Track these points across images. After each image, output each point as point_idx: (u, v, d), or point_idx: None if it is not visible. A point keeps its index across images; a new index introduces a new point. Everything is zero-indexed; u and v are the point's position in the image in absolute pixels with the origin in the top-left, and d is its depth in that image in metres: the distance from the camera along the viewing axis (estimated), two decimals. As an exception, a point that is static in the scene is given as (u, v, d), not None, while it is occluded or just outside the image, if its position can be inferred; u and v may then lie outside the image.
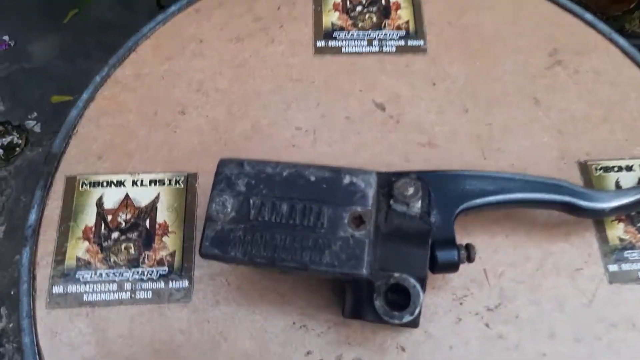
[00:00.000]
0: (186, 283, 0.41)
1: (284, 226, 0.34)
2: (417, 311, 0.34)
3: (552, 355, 0.40)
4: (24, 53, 1.13)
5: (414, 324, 0.36)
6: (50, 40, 1.12)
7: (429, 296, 0.41)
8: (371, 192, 0.35)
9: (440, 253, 0.37)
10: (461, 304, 0.41)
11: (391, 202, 0.37)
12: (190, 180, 0.45)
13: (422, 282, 0.35)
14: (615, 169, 0.47)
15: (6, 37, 1.13)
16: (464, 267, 0.42)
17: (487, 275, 0.42)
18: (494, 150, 0.47)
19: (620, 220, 0.45)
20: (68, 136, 0.47)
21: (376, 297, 0.34)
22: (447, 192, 0.39)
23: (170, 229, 0.43)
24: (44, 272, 0.41)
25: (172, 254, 0.42)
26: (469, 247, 0.38)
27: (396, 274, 0.34)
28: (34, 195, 0.44)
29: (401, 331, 0.40)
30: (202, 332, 0.40)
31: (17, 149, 0.99)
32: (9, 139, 1.00)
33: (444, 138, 0.48)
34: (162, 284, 0.41)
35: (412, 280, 0.34)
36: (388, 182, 0.37)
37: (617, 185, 0.46)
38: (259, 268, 0.38)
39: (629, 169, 0.47)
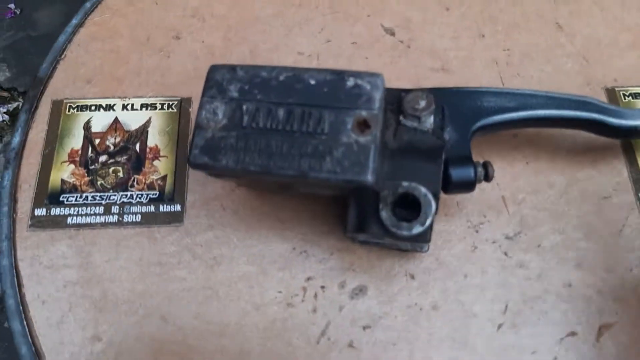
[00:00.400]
0: (178, 207, 0.38)
1: (280, 132, 0.31)
2: (428, 222, 0.30)
3: (578, 286, 0.36)
4: (29, 21, 1.11)
5: (424, 238, 0.32)
6: (56, 8, 1.10)
7: (440, 223, 0.38)
8: (378, 95, 0.31)
9: (455, 170, 0.33)
10: (477, 231, 0.38)
11: (401, 118, 0.33)
12: (183, 104, 0.42)
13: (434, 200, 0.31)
14: (646, 95, 0.43)
15: (12, 5, 1.13)
16: (479, 193, 0.39)
17: (506, 203, 0.39)
18: (513, 76, 0.43)
19: (652, 147, 0.41)
20: (55, 61, 0.44)
21: (382, 208, 0.31)
22: (463, 108, 0.36)
23: (162, 153, 0.40)
24: (26, 195, 0.38)
25: (164, 178, 0.39)
26: (486, 165, 0.34)
27: (405, 183, 0.31)
28: (18, 119, 0.41)
29: (410, 258, 0.37)
30: (194, 256, 0.37)
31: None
32: (14, 105, 0.99)
33: (458, 63, 0.44)
34: (152, 208, 0.38)
35: (423, 189, 0.31)
36: (397, 98, 0.34)
37: (648, 113, 0.42)
38: (252, 179, 0.34)
39: (660, 95, 0.43)
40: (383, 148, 0.32)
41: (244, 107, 0.32)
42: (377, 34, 0.45)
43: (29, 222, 0.37)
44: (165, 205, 0.38)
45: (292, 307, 0.36)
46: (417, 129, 0.33)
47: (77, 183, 0.39)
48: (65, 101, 0.42)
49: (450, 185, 0.34)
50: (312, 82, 0.32)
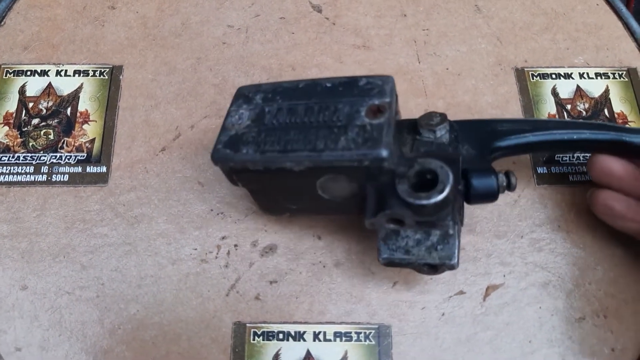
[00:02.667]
0: (104, 169, 0.41)
1: (299, 125, 0.32)
2: (447, 190, 0.30)
3: (470, 249, 0.39)
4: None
5: (446, 215, 0.31)
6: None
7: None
8: (389, 88, 0.32)
9: (477, 179, 0.33)
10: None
11: (417, 136, 0.35)
12: (115, 72, 0.44)
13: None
14: (553, 76, 0.46)
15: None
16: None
17: (411, 172, 0.42)
18: (429, 54, 0.46)
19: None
20: (-5, 28, 0.46)
21: (399, 182, 0.31)
22: (477, 132, 0.36)
23: (91, 118, 0.42)
24: (-40, 154, 0.41)
25: (92, 141, 0.41)
26: (509, 174, 0.34)
27: (420, 159, 0.31)
28: (-44, 82, 0.43)
29: (319, 220, 0.40)
30: (116, 214, 0.40)
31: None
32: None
33: (379, 41, 0.47)
34: (79, 169, 0.40)
35: (439, 162, 0.31)
36: (412, 123, 0.35)
37: (554, 93, 0.45)
38: (271, 172, 0.33)
39: (568, 76, 0.46)
40: (401, 155, 0.33)
41: (267, 109, 0.33)
42: (304, 10, 0.48)
43: (-38, 179, 0.40)
44: (91, 167, 0.41)
45: (205, 263, 0.39)
46: (434, 142, 0.35)
47: (10, 144, 0.41)
48: (2, 66, 0.44)
49: (472, 195, 0.34)
50: (329, 84, 0.34)
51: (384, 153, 0.30)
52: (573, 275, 0.39)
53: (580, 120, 0.38)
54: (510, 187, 0.34)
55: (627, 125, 0.37)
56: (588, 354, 0.37)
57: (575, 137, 0.36)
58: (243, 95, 0.34)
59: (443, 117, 0.35)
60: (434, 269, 0.34)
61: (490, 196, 0.34)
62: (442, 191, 0.30)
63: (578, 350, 0.37)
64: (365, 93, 0.32)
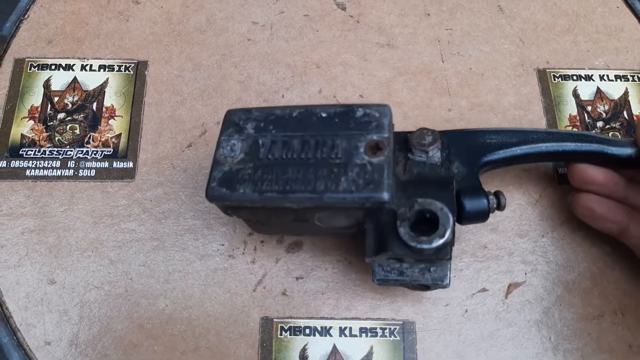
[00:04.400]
0: (130, 164, 0.41)
1: (296, 161, 0.31)
2: (448, 234, 0.30)
3: (492, 248, 0.40)
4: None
5: (445, 254, 0.32)
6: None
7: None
8: (386, 122, 0.32)
9: (468, 200, 0.34)
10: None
11: (409, 154, 0.35)
12: (140, 67, 0.44)
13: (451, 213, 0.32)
14: (574, 77, 0.46)
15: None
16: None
17: (435, 171, 0.42)
18: (453, 54, 0.46)
19: (574, 126, 0.45)
20: (19, 20, 0.46)
21: (400, 224, 0.31)
22: (467, 146, 0.37)
23: (117, 113, 0.42)
24: (-13, 147, 0.41)
25: (118, 136, 0.42)
26: (498, 194, 0.35)
27: (420, 200, 0.31)
28: (-19, 75, 0.43)
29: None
30: (143, 209, 0.40)
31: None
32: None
33: (403, 40, 0.47)
34: (105, 164, 0.41)
35: (439, 203, 0.31)
36: (403, 138, 0.36)
37: (575, 94, 0.46)
38: (269, 212, 0.32)
39: (588, 78, 0.46)
40: (395, 179, 0.33)
41: (260, 141, 0.32)
42: (328, 7, 0.48)
43: (-11, 173, 0.40)
44: (118, 162, 0.41)
45: (233, 259, 0.39)
46: (426, 163, 0.35)
47: (36, 138, 0.41)
48: (27, 60, 0.44)
49: (464, 216, 0.34)
50: (324, 114, 0.33)
51: (386, 196, 0.30)
52: (592, 274, 0.40)
53: (565, 131, 0.39)
54: (500, 207, 0.35)
55: (609, 137, 0.38)
56: (606, 350, 0.37)
57: (560, 149, 0.37)
58: (233, 123, 0.33)
59: (435, 136, 0.35)
60: (426, 287, 0.35)
61: (481, 217, 0.35)
62: (443, 235, 0.30)
63: (596, 346, 0.38)
64: (362, 126, 0.32)
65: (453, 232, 0.31)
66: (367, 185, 0.30)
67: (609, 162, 0.38)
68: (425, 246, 0.30)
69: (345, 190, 0.30)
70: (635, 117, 0.45)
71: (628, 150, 0.37)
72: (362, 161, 0.31)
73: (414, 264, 0.33)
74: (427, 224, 0.31)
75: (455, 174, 0.35)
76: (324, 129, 0.32)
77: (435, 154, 0.35)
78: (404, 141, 0.35)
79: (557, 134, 0.38)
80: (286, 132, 0.32)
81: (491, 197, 0.35)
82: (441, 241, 0.30)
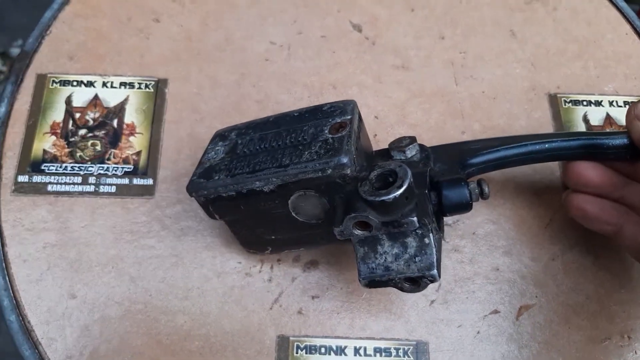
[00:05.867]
0: (150, 181, 0.41)
1: (268, 149, 0.34)
2: (405, 184, 0.31)
3: (505, 270, 0.41)
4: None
5: (410, 212, 0.31)
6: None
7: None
8: (349, 109, 0.34)
9: (448, 190, 0.34)
10: (420, 217, 0.42)
11: (389, 160, 0.36)
12: (160, 85, 0.45)
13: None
14: (584, 103, 0.47)
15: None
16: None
17: (448, 193, 0.43)
18: (466, 77, 0.47)
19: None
20: (41, 36, 0.46)
21: (360, 185, 0.32)
22: (450, 152, 0.37)
23: (137, 130, 0.43)
24: (10, 162, 0.41)
25: (138, 153, 0.42)
26: (480, 183, 0.35)
27: (380, 163, 0.33)
28: (5, 89, 0.44)
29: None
30: (163, 226, 0.40)
31: (1, 75, 0.98)
32: (-10, 64, 0.99)
33: (417, 62, 0.48)
34: (126, 180, 0.41)
35: (397, 162, 0.33)
36: (385, 151, 0.37)
37: (585, 120, 0.47)
38: (242, 196, 0.34)
39: (598, 104, 0.47)
40: (363, 153, 0.34)
41: (239, 141, 0.36)
42: (345, 29, 0.49)
43: (13, 188, 0.41)
44: (138, 179, 0.41)
45: (249, 277, 0.40)
46: (405, 160, 0.36)
47: (58, 154, 0.42)
48: (49, 75, 0.45)
49: (445, 205, 0.34)
50: (296, 113, 0.36)
51: (345, 159, 0.31)
52: (599, 297, 0.41)
53: (551, 132, 0.38)
54: (483, 195, 0.35)
55: (599, 131, 0.37)
56: (614, 373, 0.38)
57: (547, 145, 0.36)
58: (220, 135, 0.37)
59: (412, 138, 0.36)
60: (416, 283, 0.33)
61: (463, 206, 0.35)
62: (400, 186, 0.31)
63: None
64: (328, 115, 0.34)
65: (413, 186, 0.31)
66: (327, 152, 0.32)
67: (603, 156, 0.36)
68: (384, 197, 0.30)
69: (308, 159, 0.32)
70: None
71: (619, 140, 0.36)
72: (325, 138, 0.33)
73: (394, 244, 0.33)
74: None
75: (437, 171, 0.36)
76: (295, 123, 0.35)
77: (414, 155, 0.36)
78: (386, 152, 0.37)
79: (542, 135, 0.37)
80: (263, 131, 0.35)
81: (472, 184, 0.35)
82: (399, 191, 0.30)
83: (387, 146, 0.37)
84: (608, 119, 0.47)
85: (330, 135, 0.33)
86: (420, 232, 0.32)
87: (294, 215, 0.34)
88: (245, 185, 0.33)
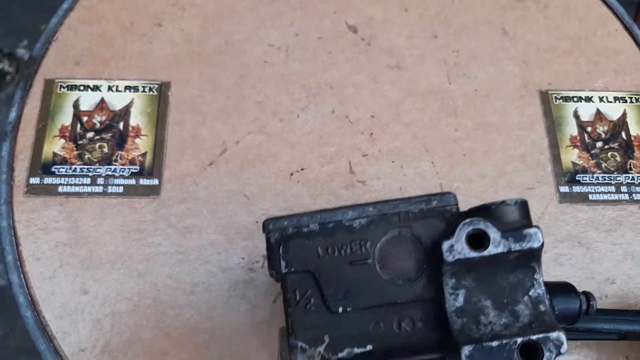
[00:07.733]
0: (156, 181, 0.43)
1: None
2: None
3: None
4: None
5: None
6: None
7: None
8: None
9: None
10: (415, 213, 0.44)
11: None
12: (163, 88, 0.46)
13: None
14: (575, 99, 0.49)
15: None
16: (420, 180, 0.45)
17: (442, 189, 0.45)
18: (459, 75, 0.49)
19: (574, 147, 0.47)
20: (48, 42, 0.48)
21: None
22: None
23: (142, 132, 0.45)
24: (22, 165, 0.43)
25: (144, 155, 0.44)
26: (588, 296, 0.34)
27: None
28: (14, 95, 0.45)
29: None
30: (169, 224, 0.42)
31: (8, 76, 0.99)
32: (0, 66, 1.01)
33: (412, 62, 0.49)
34: (133, 181, 0.43)
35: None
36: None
37: (575, 115, 0.48)
38: (326, 225, 0.30)
39: (588, 99, 0.49)
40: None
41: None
42: (341, 30, 0.50)
43: (25, 189, 0.42)
44: (144, 179, 0.43)
45: (253, 272, 0.42)
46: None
47: (67, 156, 0.44)
48: (56, 81, 0.46)
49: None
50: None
51: (451, 196, 0.30)
52: (591, 289, 0.42)
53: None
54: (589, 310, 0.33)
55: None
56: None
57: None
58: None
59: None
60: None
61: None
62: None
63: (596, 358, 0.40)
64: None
65: None
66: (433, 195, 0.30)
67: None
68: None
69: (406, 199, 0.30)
70: (632, 137, 0.48)
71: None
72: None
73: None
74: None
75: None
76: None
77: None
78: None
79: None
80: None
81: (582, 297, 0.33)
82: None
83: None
84: (598, 114, 0.48)
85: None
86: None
87: (378, 270, 0.29)
88: (333, 217, 0.29)
